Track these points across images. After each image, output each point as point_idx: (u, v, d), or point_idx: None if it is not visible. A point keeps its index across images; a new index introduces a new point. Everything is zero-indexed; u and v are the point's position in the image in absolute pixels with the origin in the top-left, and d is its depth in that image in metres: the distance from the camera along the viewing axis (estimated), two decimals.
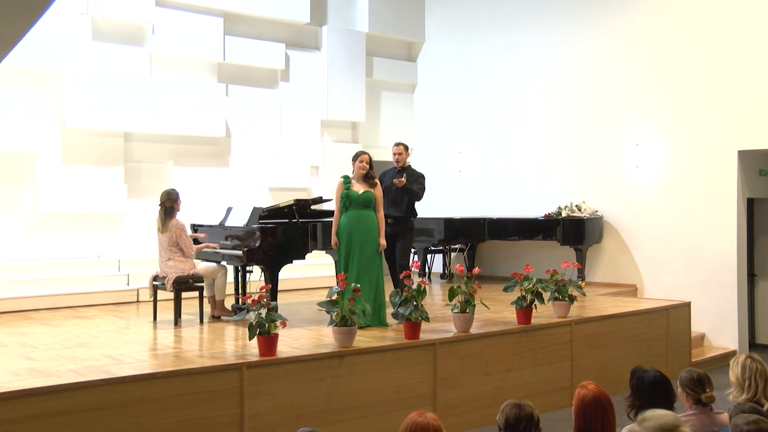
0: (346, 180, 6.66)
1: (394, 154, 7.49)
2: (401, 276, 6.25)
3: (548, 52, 10.67)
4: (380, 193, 6.72)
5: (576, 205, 9.84)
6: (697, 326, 8.60)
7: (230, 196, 10.05)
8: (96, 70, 9.25)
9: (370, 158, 6.70)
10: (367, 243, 6.53)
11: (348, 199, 6.56)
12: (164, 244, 6.95)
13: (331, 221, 6.94)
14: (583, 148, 10.24)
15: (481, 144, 11.52)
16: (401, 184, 7.17)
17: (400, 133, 11.80)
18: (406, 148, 7.55)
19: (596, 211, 9.88)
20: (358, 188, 6.63)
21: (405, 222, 7.36)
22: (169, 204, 6.97)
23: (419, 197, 7.41)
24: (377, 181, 6.76)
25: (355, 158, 6.74)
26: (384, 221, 6.78)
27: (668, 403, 3.62)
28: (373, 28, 11.73)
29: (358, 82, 11.55)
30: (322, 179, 11.20)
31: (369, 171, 6.68)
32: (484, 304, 6.48)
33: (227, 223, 7.64)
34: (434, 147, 12.05)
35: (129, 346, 5.85)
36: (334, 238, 6.60)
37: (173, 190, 7.15)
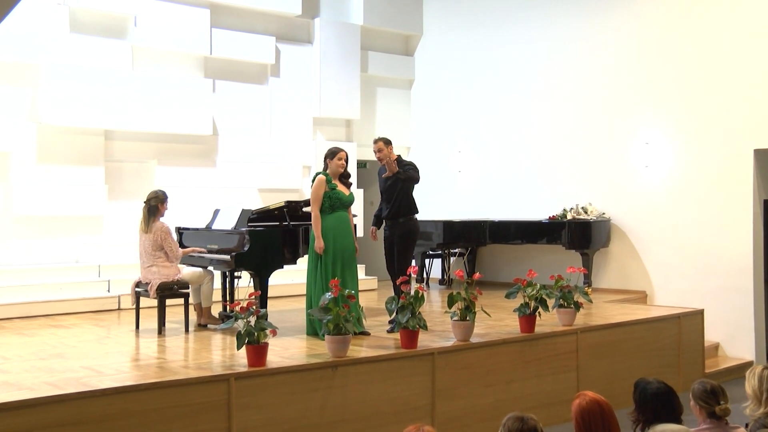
0: (329, 178, 6.57)
1: (375, 153, 7.10)
2: (398, 282, 6.22)
3: (553, 45, 10.68)
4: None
5: (582, 207, 9.85)
6: (710, 335, 8.60)
7: (217, 197, 10.04)
8: (74, 64, 9.22)
9: (347, 155, 6.71)
10: (352, 247, 6.57)
11: (338, 200, 6.50)
12: (147, 248, 6.92)
13: None
14: (590, 147, 10.25)
15: (482, 143, 11.52)
16: (394, 171, 6.87)
17: (396, 132, 11.80)
18: (387, 142, 7.09)
19: (603, 214, 9.89)
20: (343, 188, 6.61)
21: (406, 222, 7.14)
22: (155, 203, 6.96)
23: (416, 179, 7.14)
24: (351, 181, 6.80)
25: (332, 155, 6.58)
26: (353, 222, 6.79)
27: (674, 416, 3.61)
28: (368, 20, 11.72)
29: (353, 78, 11.54)
30: None
31: (345, 170, 6.69)
32: (485, 312, 6.47)
33: (214, 226, 7.63)
34: (433, 146, 12.05)
35: (109, 357, 5.83)
36: (320, 241, 6.43)
37: (162, 191, 7.13)
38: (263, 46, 10.77)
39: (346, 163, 6.67)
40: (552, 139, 10.67)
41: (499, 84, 11.29)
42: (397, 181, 7.06)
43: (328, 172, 6.60)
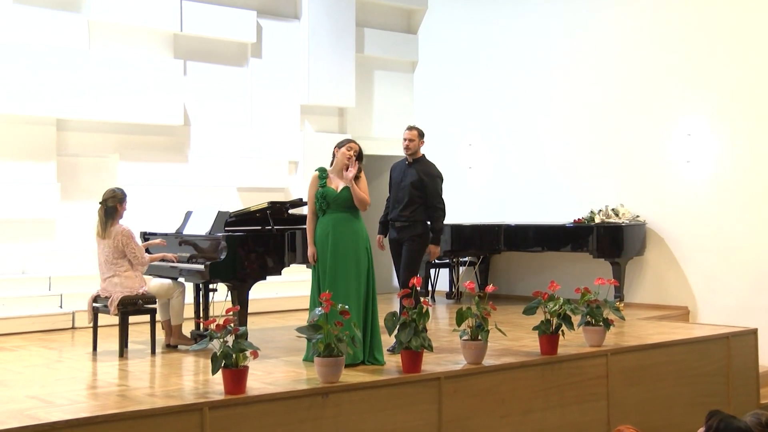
0: (322, 174, 6.45)
1: (404, 140, 7.31)
2: (399, 295, 6.20)
3: (578, 21, 10.69)
4: (364, 183, 6.45)
5: (612, 209, 9.85)
6: (766, 359, 8.59)
7: (190, 197, 10.04)
8: (20, 42, 9.22)
9: (361, 150, 6.49)
10: (349, 256, 6.32)
11: (324, 200, 6.36)
12: (107, 256, 6.89)
13: None
14: (622, 140, 10.26)
15: (496, 134, 11.53)
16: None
17: (397, 121, 11.80)
18: (421, 134, 7.37)
19: (637, 217, 9.90)
20: (337, 184, 6.41)
21: (418, 225, 7.24)
22: (112, 203, 6.96)
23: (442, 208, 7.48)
24: (361, 167, 6.47)
25: (340, 145, 6.47)
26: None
27: None
28: None
29: (347, 59, 11.56)
30: (302, 177, 11.19)
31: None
32: (499, 330, 6.46)
33: (186, 231, 7.64)
34: (439, 138, 12.02)
35: (61, 384, 5.80)
36: (311, 249, 6.39)
37: (120, 189, 7.15)
38: (242, 22, 10.78)
39: (359, 158, 6.43)
40: (577, 130, 10.68)
41: (515, 66, 11.30)
42: (420, 183, 7.23)
43: (331, 165, 6.49)
